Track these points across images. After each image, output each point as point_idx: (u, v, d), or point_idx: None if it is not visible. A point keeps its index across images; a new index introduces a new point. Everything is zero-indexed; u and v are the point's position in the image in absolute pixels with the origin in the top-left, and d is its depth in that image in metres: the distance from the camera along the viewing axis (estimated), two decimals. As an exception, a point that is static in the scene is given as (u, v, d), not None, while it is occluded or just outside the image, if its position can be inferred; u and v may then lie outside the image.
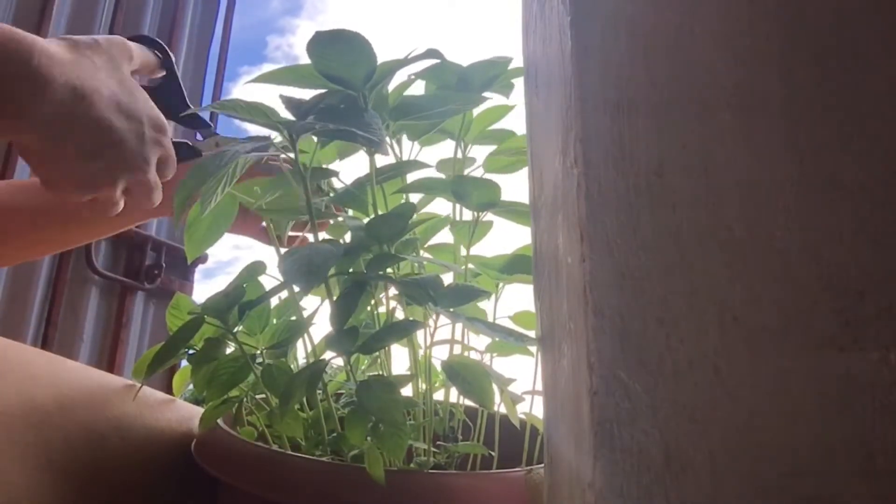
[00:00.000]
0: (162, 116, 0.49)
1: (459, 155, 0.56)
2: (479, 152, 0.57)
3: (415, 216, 0.49)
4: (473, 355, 0.53)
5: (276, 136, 0.47)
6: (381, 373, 0.54)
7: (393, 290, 0.52)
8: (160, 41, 0.54)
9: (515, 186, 0.53)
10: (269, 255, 0.65)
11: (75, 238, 0.68)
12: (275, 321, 0.54)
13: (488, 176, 0.54)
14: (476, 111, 0.54)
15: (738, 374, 0.25)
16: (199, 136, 0.57)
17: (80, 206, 0.50)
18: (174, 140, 0.50)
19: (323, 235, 0.55)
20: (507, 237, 0.55)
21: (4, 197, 0.61)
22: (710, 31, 0.28)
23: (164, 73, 0.54)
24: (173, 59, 0.54)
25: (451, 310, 0.45)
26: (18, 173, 1.61)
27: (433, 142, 0.56)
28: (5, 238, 0.62)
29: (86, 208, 0.51)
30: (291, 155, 0.46)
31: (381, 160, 0.50)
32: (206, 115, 0.55)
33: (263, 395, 0.53)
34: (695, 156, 0.27)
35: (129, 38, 0.51)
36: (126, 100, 0.46)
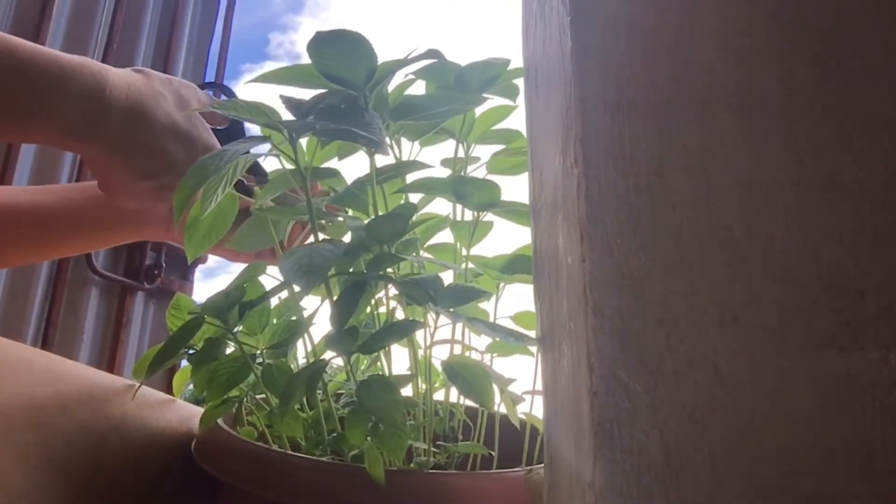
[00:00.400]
0: (219, 147, 0.52)
1: (461, 154, 0.56)
2: (483, 152, 0.57)
3: (415, 216, 0.49)
4: (474, 355, 0.53)
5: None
6: (381, 372, 0.54)
7: (393, 290, 0.52)
8: (232, 90, 0.58)
9: (516, 187, 0.53)
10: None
11: (80, 246, 0.71)
12: (275, 321, 0.54)
13: (492, 177, 0.54)
14: (479, 111, 0.54)
15: (738, 374, 0.25)
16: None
17: (133, 214, 0.59)
18: None
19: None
20: (507, 237, 0.55)
21: (8, 200, 0.63)
22: (710, 31, 0.28)
23: (228, 122, 0.58)
24: None
25: (452, 310, 0.45)
26: (18, 173, 1.61)
27: (433, 142, 0.56)
28: (12, 240, 0.63)
29: (135, 214, 0.60)
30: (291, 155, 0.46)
31: (381, 160, 0.51)
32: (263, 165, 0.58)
33: (263, 395, 0.53)
34: (695, 156, 0.27)
35: (205, 84, 0.56)
36: (185, 129, 0.52)
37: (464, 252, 0.55)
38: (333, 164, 0.56)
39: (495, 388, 0.46)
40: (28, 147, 1.65)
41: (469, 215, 0.54)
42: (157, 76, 0.53)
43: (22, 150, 1.62)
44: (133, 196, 0.53)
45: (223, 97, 0.57)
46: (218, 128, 0.57)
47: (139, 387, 0.56)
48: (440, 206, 0.57)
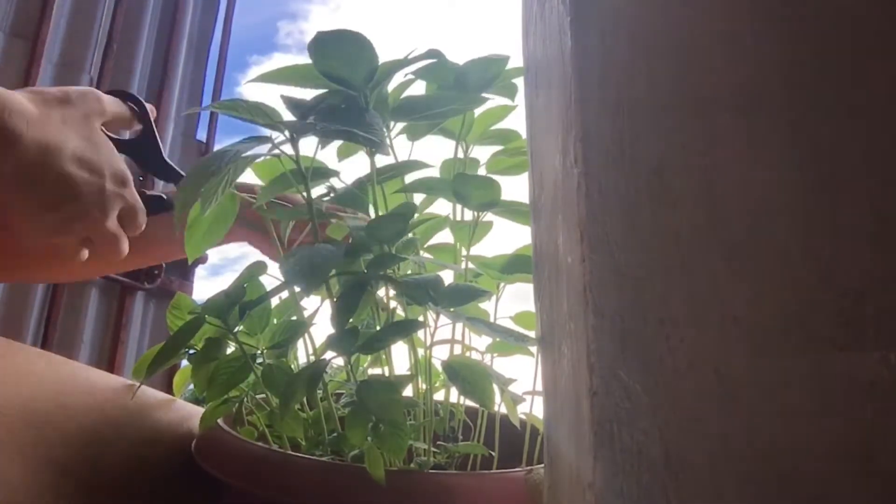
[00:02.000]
0: (125, 170, 0.49)
1: (460, 155, 0.56)
2: (481, 153, 0.57)
3: (415, 216, 0.49)
4: (474, 355, 0.53)
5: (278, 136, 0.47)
6: (382, 371, 0.54)
7: (394, 290, 0.52)
8: (138, 97, 0.54)
9: (516, 187, 0.53)
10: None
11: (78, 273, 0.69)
12: (275, 321, 0.54)
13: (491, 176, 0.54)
14: (477, 111, 0.54)
15: (738, 374, 0.25)
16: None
17: (39, 251, 0.52)
18: (149, 193, 0.51)
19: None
20: (507, 237, 0.55)
21: None
22: (711, 31, 0.28)
23: (140, 126, 0.54)
24: (151, 113, 0.54)
25: (452, 310, 0.45)
26: None
27: (426, 135, 0.56)
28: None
29: (47, 254, 0.53)
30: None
31: (382, 160, 0.51)
32: (179, 168, 0.55)
33: (264, 395, 0.53)
34: (695, 156, 0.27)
35: (107, 93, 0.51)
36: (89, 154, 0.47)
37: (464, 252, 0.55)
38: (333, 164, 0.56)
39: (495, 388, 0.46)
40: None
41: (469, 215, 0.54)
42: (52, 96, 0.47)
43: None
44: (35, 232, 0.47)
45: (132, 107, 0.53)
46: (123, 139, 0.52)
47: (139, 387, 0.56)
48: (440, 206, 0.57)
